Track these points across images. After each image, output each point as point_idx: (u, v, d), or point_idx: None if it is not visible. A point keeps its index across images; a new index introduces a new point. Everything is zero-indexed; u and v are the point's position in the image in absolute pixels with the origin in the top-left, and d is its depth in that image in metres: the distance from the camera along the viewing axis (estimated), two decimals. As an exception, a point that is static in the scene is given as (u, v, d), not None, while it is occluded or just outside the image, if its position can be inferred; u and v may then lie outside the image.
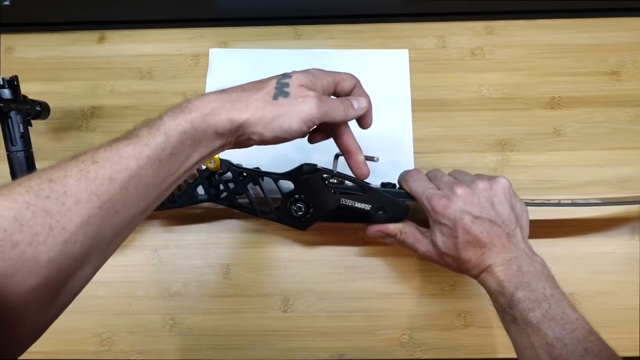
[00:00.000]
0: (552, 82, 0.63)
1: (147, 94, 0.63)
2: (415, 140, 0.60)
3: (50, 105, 0.59)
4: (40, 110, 0.56)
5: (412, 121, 0.61)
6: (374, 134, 0.60)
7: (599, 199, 0.54)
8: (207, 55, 0.65)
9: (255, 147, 0.60)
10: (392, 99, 0.62)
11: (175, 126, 0.36)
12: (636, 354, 0.53)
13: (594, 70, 0.63)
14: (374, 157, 0.48)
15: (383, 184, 0.51)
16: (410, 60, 0.64)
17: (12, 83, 0.52)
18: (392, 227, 0.49)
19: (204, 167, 0.52)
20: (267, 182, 0.52)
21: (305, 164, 0.50)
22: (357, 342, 0.55)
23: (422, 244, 0.48)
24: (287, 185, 0.51)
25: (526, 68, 0.63)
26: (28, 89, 0.55)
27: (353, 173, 0.48)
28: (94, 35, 0.66)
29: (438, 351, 0.54)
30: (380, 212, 0.49)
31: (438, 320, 0.55)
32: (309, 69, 0.43)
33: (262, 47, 0.65)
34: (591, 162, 0.59)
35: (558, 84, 0.62)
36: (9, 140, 0.52)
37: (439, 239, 0.45)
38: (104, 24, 0.66)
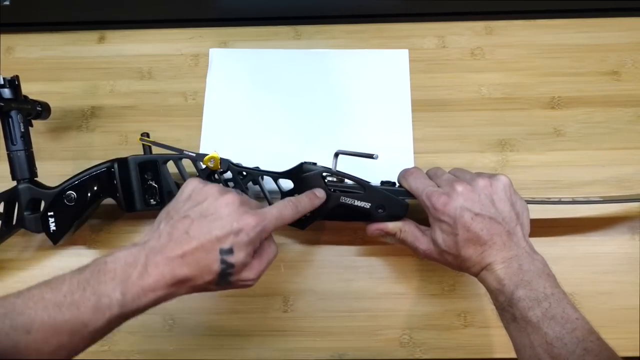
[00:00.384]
0: (552, 82, 0.63)
1: (147, 94, 0.63)
2: (415, 140, 0.60)
3: (50, 105, 0.59)
4: (40, 110, 0.56)
5: (412, 121, 0.61)
6: (374, 133, 0.61)
7: (600, 197, 0.54)
8: (207, 55, 0.65)
9: (255, 146, 0.60)
10: (392, 99, 0.62)
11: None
12: (636, 354, 0.52)
13: (594, 70, 0.63)
14: (372, 155, 0.48)
15: (383, 183, 0.51)
16: (410, 60, 0.64)
17: (13, 83, 0.52)
18: (392, 226, 0.49)
19: (203, 166, 0.52)
20: (267, 181, 0.52)
21: (305, 162, 0.50)
22: (357, 342, 0.54)
23: (422, 242, 0.47)
24: (287, 184, 0.51)
25: (526, 68, 0.63)
26: (28, 89, 0.55)
27: None
28: (94, 35, 0.66)
29: (438, 351, 0.54)
30: (380, 210, 0.49)
31: (438, 320, 0.55)
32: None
33: (262, 47, 0.65)
34: (591, 162, 0.59)
35: (558, 84, 0.62)
36: (9, 140, 0.52)
37: (439, 236, 0.45)
38: (104, 24, 0.67)
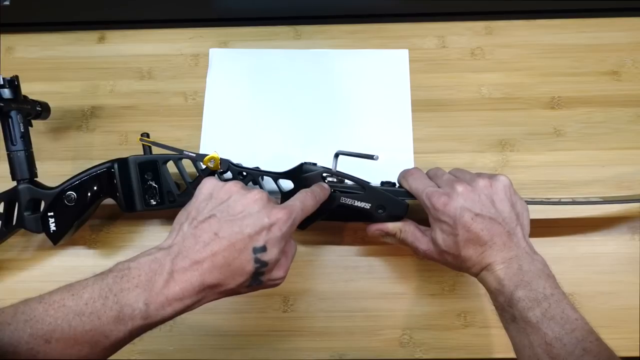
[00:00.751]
0: (552, 82, 0.63)
1: (147, 94, 0.63)
2: (415, 140, 0.60)
3: (50, 105, 0.59)
4: (40, 110, 0.56)
5: (412, 121, 0.61)
6: (374, 133, 0.61)
7: (600, 197, 0.54)
8: (207, 55, 0.65)
9: (255, 146, 0.60)
10: (392, 99, 0.62)
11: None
12: (636, 354, 0.52)
13: (594, 70, 0.63)
14: (373, 155, 0.48)
15: (383, 183, 0.51)
16: (410, 61, 0.64)
17: (13, 83, 0.52)
18: (392, 226, 0.49)
19: (203, 166, 0.52)
20: (267, 181, 0.52)
21: (305, 162, 0.50)
22: (357, 342, 0.54)
23: (422, 242, 0.47)
24: (287, 184, 0.51)
25: (526, 68, 0.63)
26: (28, 89, 0.55)
27: None
28: (94, 35, 0.66)
29: (438, 351, 0.54)
30: (380, 210, 0.49)
31: (438, 320, 0.55)
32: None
33: (262, 47, 0.65)
34: (591, 162, 0.59)
35: (558, 84, 0.62)
36: (9, 140, 0.52)
37: (439, 236, 0.45)
38: (104, 24, 0.67)
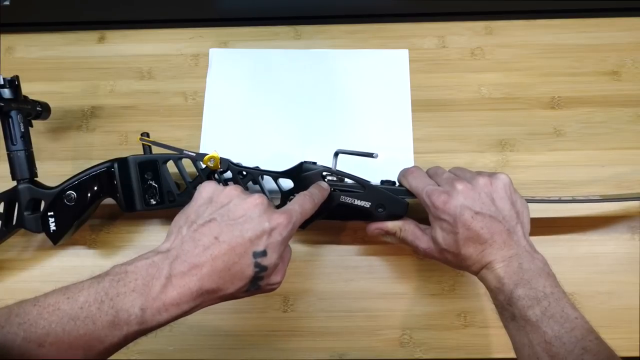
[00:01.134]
0: (552, 82, 0.63)
1: (147, 94, 0.63)
2: (415, 140, 0.60)
3: (50, 105, 0.59)
4: (40, 110, 0.56)
5: (412, 121, 0.61)
6: (374, 133, 0.61)
7: (599, 195, 0.54)
8: (207, 55, 0.65)
9: (255, 146, 0.60)
10: (392, 99, 0.62)
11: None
12: (636, 354, 0.52)
13: (594, 70, 0.63)
14: (372, 154, 0.48)
15: (383, 182, 0.51)
16: (410, 60, 0.64)
17: (13, 83, 0.52)
18: (392, 225, 0.49)
19: (203, 166, 0.52)
20: (267, 180, 0.52)
21: (305, 162, 0.50)
22: (357, 342, 0.54)
23: (422, 241, 0.47)
24: (287, 183, 0.51)
25: (526, 68, 0.63)
26: (28, 89, 0.55)
27: None
28: (94, 35, 0.66)
29: (438, 351, 0.54)
30: (380, 209, 0.49)
31: (438, 320, 0.55)
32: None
33: (262, 47, 0.65)
34: (591, 162, 0.59)
35: (558, 84, 0.62)
36: (9, 140, 0.52)
37: (440, 235, 0.45)
38: (104, 24, 0.67)
